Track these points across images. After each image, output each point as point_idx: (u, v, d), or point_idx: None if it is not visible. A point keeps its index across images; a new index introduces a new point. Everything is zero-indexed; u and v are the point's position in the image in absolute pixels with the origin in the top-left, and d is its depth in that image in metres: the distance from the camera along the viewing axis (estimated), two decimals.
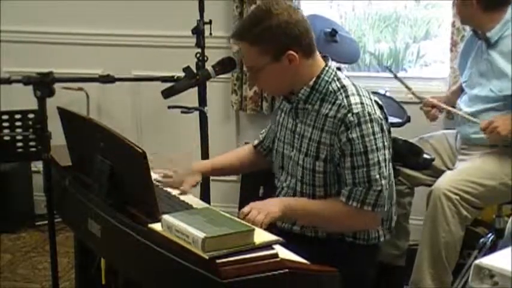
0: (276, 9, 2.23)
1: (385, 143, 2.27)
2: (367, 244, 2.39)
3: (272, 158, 2.59)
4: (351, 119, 2.22)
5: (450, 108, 3.23)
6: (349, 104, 2.24)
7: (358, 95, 2.28)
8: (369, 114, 2.23)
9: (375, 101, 2.32)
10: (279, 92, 2.42)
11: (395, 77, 3.36)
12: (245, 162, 2.69)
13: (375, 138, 2.23)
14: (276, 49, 2.23)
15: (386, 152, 2.28)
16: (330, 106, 2.29)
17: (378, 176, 2.23)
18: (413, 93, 3.35)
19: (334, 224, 2.33)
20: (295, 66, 2.26)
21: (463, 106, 3.18)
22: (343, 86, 2.30)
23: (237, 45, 2.40)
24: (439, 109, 3.32)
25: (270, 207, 2.19)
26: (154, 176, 2.29)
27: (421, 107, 3.34)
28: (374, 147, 2.23)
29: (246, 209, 2.16)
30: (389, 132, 2.36)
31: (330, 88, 2.31)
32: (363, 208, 2.25)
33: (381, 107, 2.33)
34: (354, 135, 2.21)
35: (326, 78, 2.32)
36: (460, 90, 3.34)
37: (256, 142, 2.69)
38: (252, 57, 2.27)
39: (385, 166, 2.27)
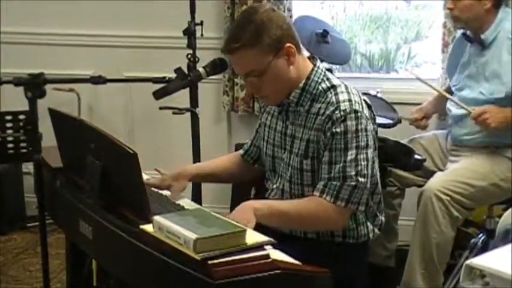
0: (260, 7, 2.31)
1: (369, 142, 2.27)
2: (357, 243, 2.38)
3: (260, 165, 2.59)
4: (338, 115, 2.23)
5: (444, 93, 3.22)
6: (338, 101, 2.25)
7: (348, 92, 2.29)
8: (356, 112, 2.23)
9: (364, 100, 2.33)
10: (282, 94, 2.35)
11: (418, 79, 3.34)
12: (233, 171, 2.66)
13: (357, 136, 2.23)
14: (273, 44, 2.24)
15: (370, 151, 2.27)
16: (319, 105, 2.29)
17: (353, 173, 2.22)
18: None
19: (303, 221, 2.28)
20: (294, 60, 2.28)
21: (453, 108, 3.19)
22: (333, 86, 2.31)
23: (232, 58, 2.34)
24: (427, 117, 3.35)
25: (244, 215, 2.15)
26: (145, 177, 2.29)
27: (410, 123, 3.36)
28: (354, 144, 2.23)
29: None
30: (376, 132, 2.36)
31: (320, 88, 2.32)
32: (336, 203, 2.23)
33: (369, 107, 2.34)
34: (338, 130, 2.22)
35: (316, 78, 2.33)
36: (449, 93, 3.34)
37: (242, 152, 2.67)
38: (253, 60, 2.25)
39: (366, 165, 2.25)
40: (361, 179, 2.23)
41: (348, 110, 2.23)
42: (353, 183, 2.22)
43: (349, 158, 2.22)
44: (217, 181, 2.79)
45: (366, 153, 2.25)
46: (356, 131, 2.23)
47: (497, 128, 2.92)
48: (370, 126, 2.29)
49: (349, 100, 2.25)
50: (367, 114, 2.29)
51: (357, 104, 2.25)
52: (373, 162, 2.32)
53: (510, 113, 2.92)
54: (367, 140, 2.26)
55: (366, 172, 2.25)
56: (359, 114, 2.24)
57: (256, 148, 2.62)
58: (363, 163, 2.24)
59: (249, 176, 2.70)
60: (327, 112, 2.25)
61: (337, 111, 2.23)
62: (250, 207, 2.21)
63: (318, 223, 2.30)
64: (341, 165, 2.23)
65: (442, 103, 3.36)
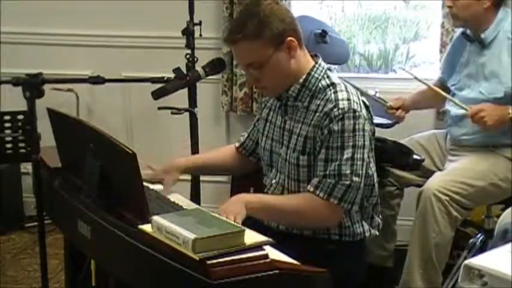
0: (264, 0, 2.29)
1: (365, 143, 2.27)
2: (353, 240, 2.39)
3: (255, 159, 2.61)
4: (336, 113, 2.24)
5: (442, 93, 3.17)
6: (336, 99, 2.26)
7: (347, 91, 2.29)
8: (354, 111, 2.24)
9: (362, 101, 2.34)
10: (281, 87, 2.36)
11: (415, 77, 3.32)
12: (228, 163, 2.68)
13: (354, 135, 2.24)
14: (275, 38, 2.25)
15: (366, 151, 2.28)
16: (318, 102, 2.30)
17: (348, 171, 2.23)
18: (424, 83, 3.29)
19: (296, 216, 2.29)
20: (295, 54, 2.29)
21: (452, 109, 3.18)
22: (333, 83, 2.32)
23: (233, 48, 2.36)
24: (404, 110, 3.34)
25: (235, 207, 2.18)
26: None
27: (385, 109, 3.34)
28: (351, 143, 2.23)
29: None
30: (373, 134, 2.37)
31: (320, 85, 2.33)
32: (329, 200, 2.24)
33: (367, 107, 2.35)
34: (335, 128, 2.23)
35: (316, 75, 2.34)
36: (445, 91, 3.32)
37: (237, 144, 2.69)
38: (254, 52, 2.26)
39: (362, 165, 2.26)
40: (355, 179, 2.24)
41: (346, 109, 2.23)
42: (347, 182, 2.23)
43: (345, 156, 2.23)
44: (211, 173, 2.88)
45: (362, 153, 2.26)
46: (354, 130, 2.23)
47: (493, 126, 2.92)
48: (368, 127, 2.30)
49: (348, 99, 2.26)
50: (365, 115, 2.29)
51: (355, 104, 2.26)
52: (369, 163, 2.33)
53: (506, 110, 2.92)
54: (364, 140, 2.27)
55: (360, 172, 2.26)
56: (357, 113, 2.24)
57: (252, 141, 2.63)
58: (358, 163, 2.25)
59: (243, 169, 2.72)
60: (325, 109, 2.26)
61: (335, 109, 2.24)
62: (242, 199, 2.23)
63: (309, 219, 2.31)
64: (337, 163, 2.24)
65: (423, 101, 3.37)
